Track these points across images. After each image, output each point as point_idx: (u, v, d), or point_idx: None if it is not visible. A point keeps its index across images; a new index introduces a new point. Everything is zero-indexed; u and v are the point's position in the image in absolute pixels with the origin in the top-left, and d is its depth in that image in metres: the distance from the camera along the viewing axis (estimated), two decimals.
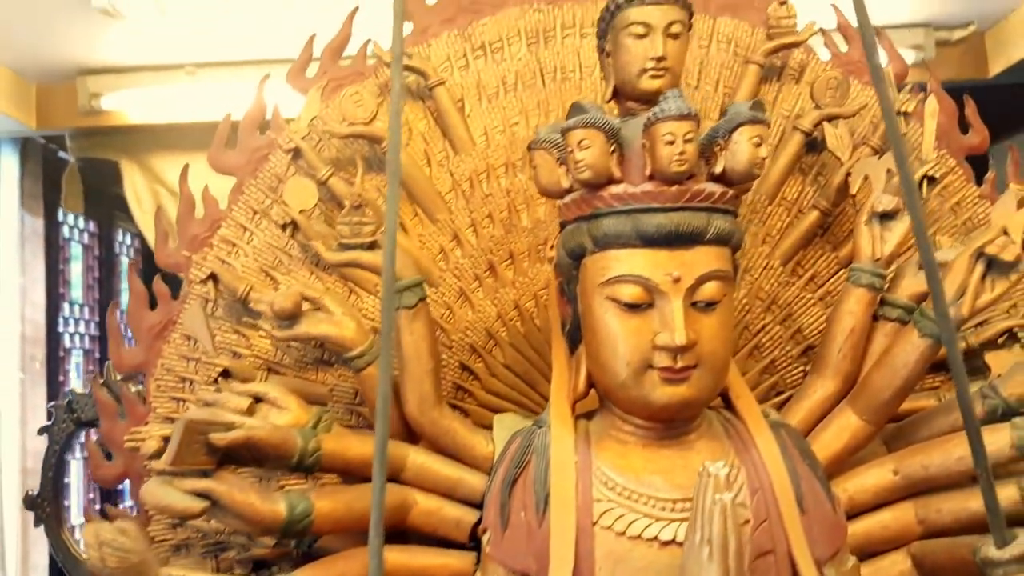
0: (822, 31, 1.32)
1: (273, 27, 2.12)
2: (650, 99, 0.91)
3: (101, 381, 1.20)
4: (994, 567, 0.80)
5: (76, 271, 3.12)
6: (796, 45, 1.22)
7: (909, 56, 2.75)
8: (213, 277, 1.14)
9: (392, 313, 0.70)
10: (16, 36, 2.43)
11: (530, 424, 0.96)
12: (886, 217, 1.04)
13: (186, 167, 1.23)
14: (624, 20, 0.93)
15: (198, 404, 1.02)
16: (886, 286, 1.05)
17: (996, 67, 2.80)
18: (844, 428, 0.99)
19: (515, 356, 1.18)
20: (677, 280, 0.84)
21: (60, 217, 3.00)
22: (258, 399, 0.98)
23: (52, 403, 1.48)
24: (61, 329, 2.86)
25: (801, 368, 1.18)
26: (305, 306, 1.01)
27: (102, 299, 3.12)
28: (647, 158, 0.85)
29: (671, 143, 0.83)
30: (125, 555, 0.77)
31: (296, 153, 1.17)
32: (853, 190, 1.09)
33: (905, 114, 1.20)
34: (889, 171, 1.07)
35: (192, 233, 1.20)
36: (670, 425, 0.90)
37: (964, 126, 1.28)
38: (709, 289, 0.85)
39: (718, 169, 0.87)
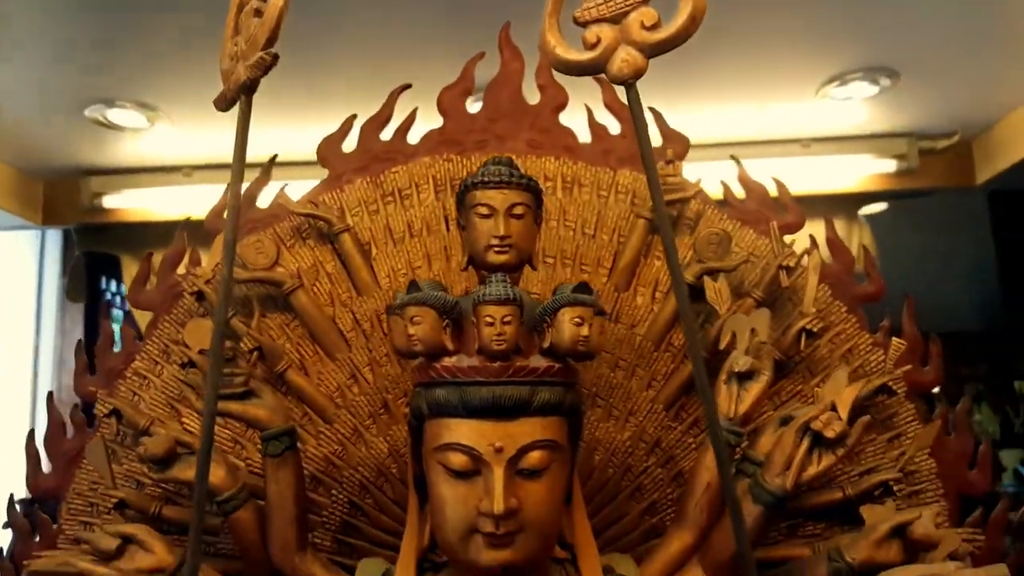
0: (723, 183, 1.39)
1: (261, 131, 2.28)
2: (499, 271, 0.98)
3: (18, 500, 1.27)
4: None
5: None
6: (680, 202, 1.28)
7: (891, 165, 2.80)
8: (116, 412, 1.22)
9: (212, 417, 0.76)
10: (23, 139, 2.63)
11: (380, 574, 1.00)
12: (743, 377, 1.07)
13: (104, 305, 1.33)
14: (471, 200, 1.00)
15: (70, 543, 1.08)
16: (743, 443, 1.07)
17: (983, 175, 2.83)
18: None
19: (404, 492, 1.22)
20: (499, 450, 0.89)
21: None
22: (128, 540, 1.04)
23: None
24: None
25: None
26: (181, 450, 1.07)
27: None
28: (475, 334, 0.91)
29: (490, 324, 0.89)
30: None
31: (199, 295, 1.25)
32: (721, 345, 1.13)
33: (788, 268, 1.24)
34: (753, 330, 1.11)
35: (109, 365, 1.29)
36: None
37: None
38: (533, 458, 0.90)
39: (545, 344, 0.92)
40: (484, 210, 0.99)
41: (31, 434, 1.28)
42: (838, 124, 2.60)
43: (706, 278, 1.22)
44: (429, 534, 0.98)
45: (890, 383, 1.21)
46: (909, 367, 1.23)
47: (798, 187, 1.39)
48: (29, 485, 1.27)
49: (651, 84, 1.35)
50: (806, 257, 1.25)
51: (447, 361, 0.92)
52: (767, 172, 1.37)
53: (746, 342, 1.11)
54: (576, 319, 0.91)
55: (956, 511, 1.24)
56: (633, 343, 1.26)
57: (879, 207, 3.78)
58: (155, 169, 2.84)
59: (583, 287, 0.93)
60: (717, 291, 1.21)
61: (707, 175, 1.31)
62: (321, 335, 1.26)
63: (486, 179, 1.00)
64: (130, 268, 2.96)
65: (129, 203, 2.92)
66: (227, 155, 1.33)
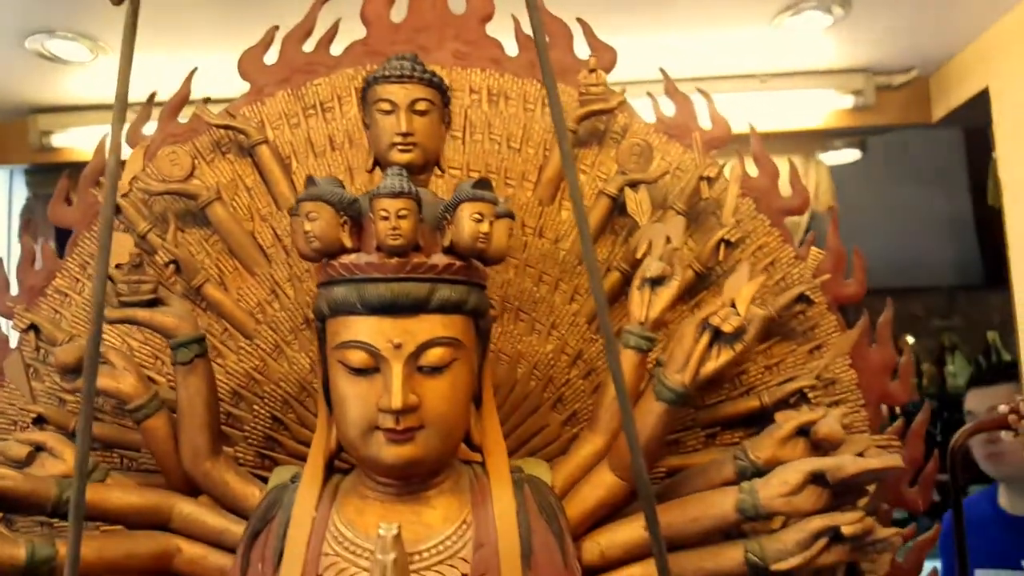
0: (648, 93, 1.37)
1: (209, 66, 2.22)
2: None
3: None
4: None
5: None
6: (604, 112, 1.26)
7: (848, 101, 2.78)
8: (34, 327, 1.20)
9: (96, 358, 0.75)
10: None
11: (288, 479, 1.00)
12: (656, 282, 1.07)
13: (28, 221, 1.30)
14: (373, 96, 0.98)
15: None
16: (655, 348, 1.08)
17: (939, 111, 2.81)
18: (599, 484, 1.02)
19: None
20: (398, 347, 0.88)
21: None
22: (39, 448, 1.04)
23: None
24: None
25: None
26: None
27: None
28: (374, 232, 0.90)
29: (385, 218, 0.88)
30: None
31: (117, 209, 1.23)
32: (638, 255, 1.13)
33: (709, 179, 1.23)
34: (668, 238, 1.11)
35: (29, 283, 1.27)
36: (407, 482, 0.94)
37: None
38: (433, 355, 0.90)
39: (446, 242, 0.91)
40: (386, 106, 0.97)
41: None
42: (794, 59, 2.57)
43: (627, 189, 1.21)
44: (336, 438, 0.98)
45: (808, 292, 1.21)
46: (828, 276, 1.24)
47: (756, 124, 1.36)
48: None
49: (595, 13, 1.33)
50: (728, 169, 1.24)
51: (345, 259, 0.91)
52: (726, 108, 1.34)
53: (660, 249, 1.10)
54: (476, 215, 0.89)
55: (876, 421, 1.26)
56: (557, 257, 1.26)
57: (848, 156, 3.74)
58: (102, 107, 2.77)
59: (483, 183, 0.92)
60: (638, 202, 1.21)
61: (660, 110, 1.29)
62: (240, 250, 1.24)
63: (387, 73, 0.97)
64: None
65: (78, 142, 2.85)
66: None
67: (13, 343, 1.25)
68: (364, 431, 0.90)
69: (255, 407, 1.22)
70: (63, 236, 1.32)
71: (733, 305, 0.95)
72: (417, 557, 0.89)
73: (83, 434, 0.76)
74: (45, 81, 2.67)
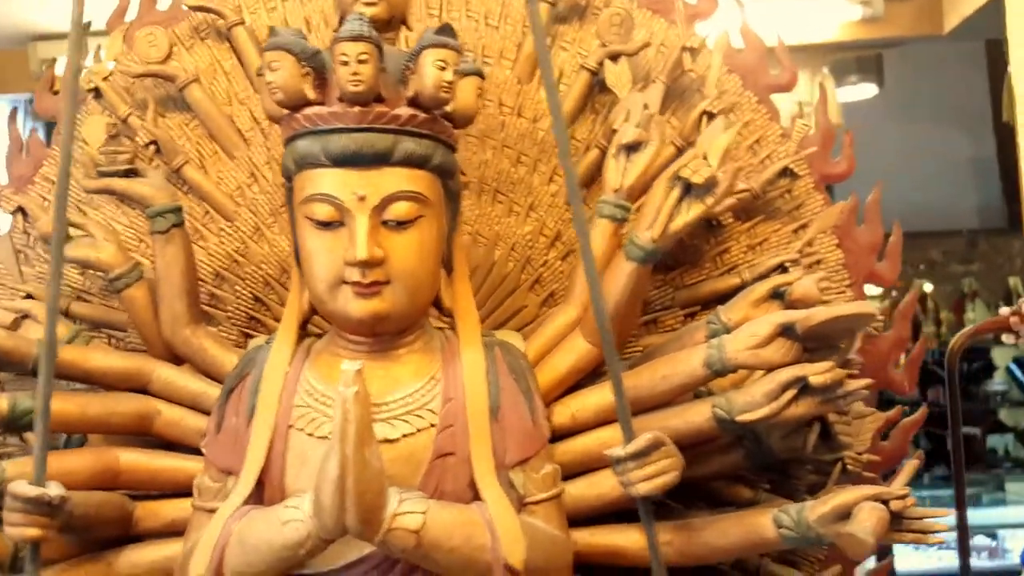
0: None
1: None
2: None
3: None
4: (616, 464, 0.83)
5: None
6: None
7: (857, 12, 2.70)
8: (21, 210, 1.22)
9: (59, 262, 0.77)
10: None
11: (264, 342, 1.02)
12: (631, 149, 1.06)
13: (14, 111, 1.31)
14: None
15: None
16: (630, 217, 1.07)
17: (951, 22, 2.72)
18: (571, 350, 1.02)
19: None
20: (362, 199, 0.88)
21: None
22: (24, 316, 1.06)
23: None
24: None
25: None
26: (74, 232, 1.07)
27: None
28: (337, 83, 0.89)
29: (345, 64, 0.87)
30: None
31: (97, 93, 1.23)
32: (615, 125, 1.11)
33: (692, 50, 1.20)
34: (645, 105, 1.09)
35: (18, 172, 1.28)
36: (378, 340, 0.95)
37: None
38: (399, 208, 0.90)
39: (409, 93, 0.90)
40: None
41: None
42: None
43: (607, 62, 1.19)
44: (308, 299, 0.98)
45: (793, 167, 1.19)
46: (814, 149, 1.21)
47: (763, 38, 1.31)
48: None
49: None
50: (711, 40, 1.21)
51: (308, 110, 0.91)
52: (732, 21, 1.29)
53: (637, 116, 1.08)
54: (438, 62, 0.88)
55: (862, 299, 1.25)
56: (536, 137, 1.24)
57: (864, 91, 3.58)
58: (103, 33, 2.76)
59: (446, 29, 0.91)
60: (617, 75, 1.18)
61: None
62: (219, 133, 1.24)
63: None
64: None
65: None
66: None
67: (3, 231, 1.27)
68: (331, 285, 0.90)
69: (237, 288, 1.23)
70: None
71: (705, 158, 0.94)
72: (385, 407, 0.91)
73: (54, 279, 0.77)
74: (44, 7, 2.66)
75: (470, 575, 0.84)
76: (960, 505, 1.77)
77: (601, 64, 1.20)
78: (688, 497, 1.06)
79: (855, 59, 3.28)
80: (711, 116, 1.18)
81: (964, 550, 1.78)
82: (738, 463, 1.03)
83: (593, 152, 1.21)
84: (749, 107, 1.25)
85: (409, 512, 0.80)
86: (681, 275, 1.22)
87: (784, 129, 1.25)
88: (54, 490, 0.79)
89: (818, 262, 1.23)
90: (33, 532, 0.79)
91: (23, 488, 0.79)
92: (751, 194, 1.18)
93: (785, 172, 1.19)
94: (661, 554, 0.93)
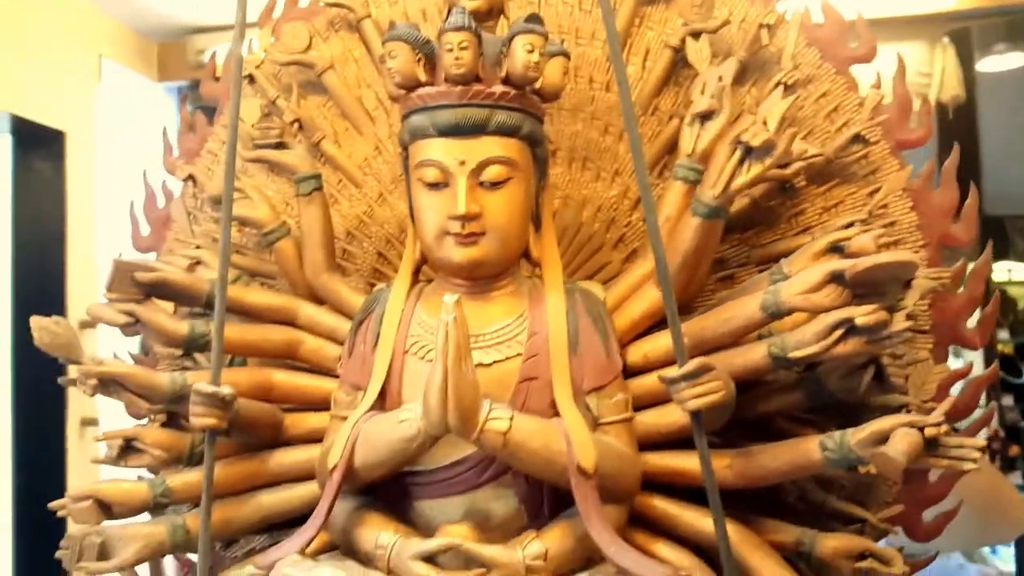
0: None
1: None
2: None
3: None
4: (671, 384, 0.96)
5: None
6: None
7: None
8: (191, 177, 1.48)
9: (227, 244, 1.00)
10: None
11: (385, 286, 1.22)
12: (705, 118, 1.17)
13: (184, 96, 1.58)
14: None
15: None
16: (701, 179, 1.18)
17: None
18: (644, 298, 1.16)
19: None
20: (462, 163, 1.06)
21: None
22: (197, 262, 1.32)
23: None
24: None
25: None
26: (235, 195, 1.31)
27: None
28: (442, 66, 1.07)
29: (450, 51, 1.04)
30: (55, 336, 1.12)
31: (251, 79, 1.47)
32: (692, 97, 1.22)
33: (769, 26, 1.29)
34: (720, 77, 1.20)
35: (187, 147, 1.55)
36: (475, 283, 1.13)
37: None
38: (492, 171, 1.06)
39: (503, 73, 1.07)
40: None
41: (131, 204, 1.58)
42: None
43: (688, 39, 1.30)
44: (420, 249, 1.17)
45: (864, 133, 1.26)
46: (886, 117, 1.27)
47: (873, 11, 1.36)
48: (133, 244, 1.57)
49: None
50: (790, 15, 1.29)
51: (420, 91, 1.09)
52: None
53: (712, 88, 1.19)
54: (527, 46, 1.04)
55: (937, 261, 1.30)
56: (621, 110, 1.37)
57: (1010, 61, 3.25)
58: (249, 25, 3.08)
59: (534, 18, 1.06)
60: (698, 51, 1.29)
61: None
62: (350, 112, 1.45)
63: None
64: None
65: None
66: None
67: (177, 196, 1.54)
68: (437, 236, 1.09)
69: (364, 245, 1.45)
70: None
71: (765, 123, 1.04)
72: (480, 338, 1.08)
73: (224, 231, 1.00)
74: (200, 4, 3.01)
75: (549, 474, 1.00)
76: None
77: (683, 41, 1.32)
78: (758, 437, 1.18)
79: (1005, 24, 3.03)
80: (787, 87, 1.27)
81: None
82: (800, 402, 1.14)
83: (675, 122, 1.33)
84: (827, 78, 1.33)
85: (498, 418, 0.97)
86: (757, 235, 1.32)
87: (863, 99, 1.32)
88: (226, 390, 1.02)
89: (892, 223, 1.30)
90: (211, 421, 1.02)
91: (205, 386, 1.02)
92: (824, 159, 1.27)
93: (857, 138, 1.26)
94: (721, 477, 1.06)
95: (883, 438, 0.92)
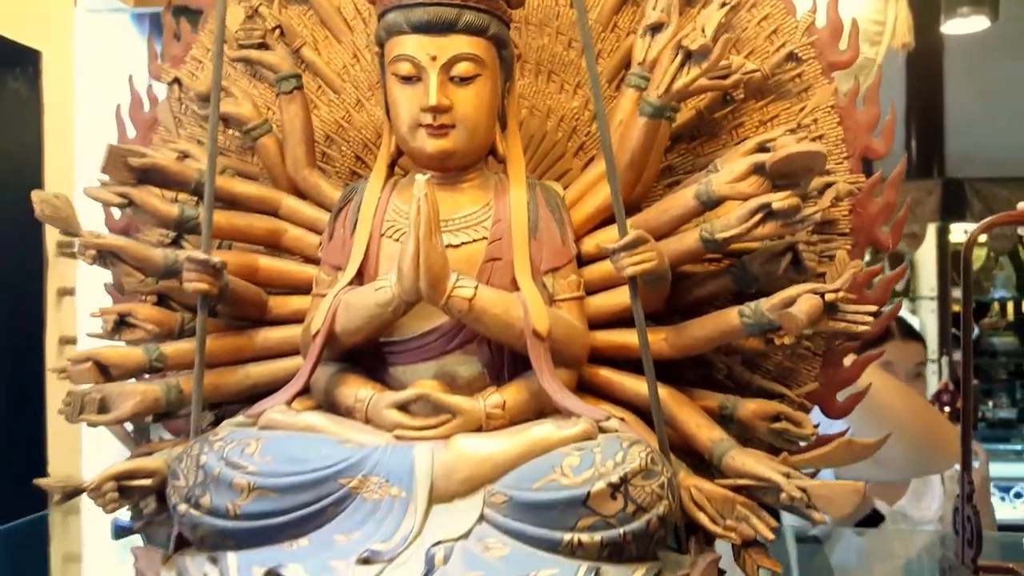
0: None
1: None
2: None
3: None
4: (612, 255, 1.10)
5: None
6: None
7: None
8: (176, 81, 1.57)
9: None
10: None
11: (363, 179, 1.34)
12: (655, 30, 1.30)
13: (168, 5, 1.66)
14: None
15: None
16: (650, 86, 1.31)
17: None
18: (597, 195, 1.30)
19: None
20: (434, 58, 1.17)
21: None
22: (185, 155, 1.42)
23: None
24: None
25: None
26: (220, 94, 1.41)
27: None
28: None
29: None
30: (55, 209, 1.22)
31: None
32: (646, 12, 1.34)
33: None
34: None
35: (172, 54, 1.63)
36: (447, 175, 1.25)
37: None
38: (461, 67, 1.18)
39: None
40: None
41: (117, 108, 1.67)
42: None
43: None
44: (395, 142, 1.29)
45: (797, 51, 1.40)
46: (817, 37, 1.41)
47: None
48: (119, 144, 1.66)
49: None
50: None
51: None
52: None
53: (663, 3, 1.31)
54: None
55: (856, 171, 1.45)
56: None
57: (974, 24, 3.31)
58: None
59: None
60: None
61: None
62: (329, 20, 1.55)
63: None
64: None
65: None
66: None
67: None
68: (410, 127, 1.21)
69: (343, 148, 1.56)
70: None
71: (703, 31, 1.17)
72: (450, 222, 1.21)
73: (212, 125, 1.10)
74: None
75: (508, 337, 1.15)
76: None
77: None
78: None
79: None
80: (732, 8, 1.39)
81: None
82: (728, 285, 1.29)
83: (632, 38, 1.45)
84: (769, 2, 1.45)
85: (464, 286, 1.11)
86: (701, 145, 1.46)
87: (798, 23, 1.45)
88: (216, 259, 1.14)
89: (820, 136, 1.45)
90: (203, 286, 1.14)
91: (197, 254, 1.14)
92: (762, 75, 1.40)
93: (792, 56, 1.40)
94: (657, 349, 1.22)
95: (791, 303, 1.08)
